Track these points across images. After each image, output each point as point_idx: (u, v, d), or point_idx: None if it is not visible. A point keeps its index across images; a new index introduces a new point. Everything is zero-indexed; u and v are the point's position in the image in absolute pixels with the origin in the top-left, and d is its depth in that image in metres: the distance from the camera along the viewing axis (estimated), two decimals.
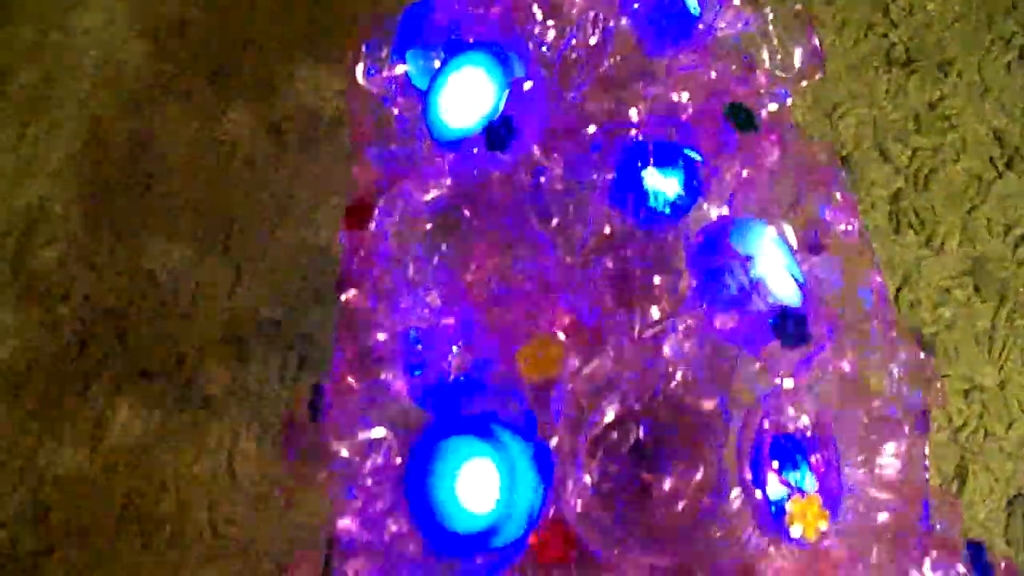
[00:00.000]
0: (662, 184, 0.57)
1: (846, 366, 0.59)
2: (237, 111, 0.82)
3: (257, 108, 0.82)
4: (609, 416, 0.50)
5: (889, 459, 0.59)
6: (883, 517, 0.58)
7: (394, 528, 0.53)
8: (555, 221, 0.58)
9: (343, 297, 0.58)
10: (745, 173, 0.60)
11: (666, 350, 0.51)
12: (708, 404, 0.51)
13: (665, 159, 0.58)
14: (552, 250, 0.55)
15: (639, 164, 0.56)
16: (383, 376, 0.56)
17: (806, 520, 0.47)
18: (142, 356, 0.76)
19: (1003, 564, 0.58)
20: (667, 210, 0.56)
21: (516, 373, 0.47)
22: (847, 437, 0.57)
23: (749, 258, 0.50)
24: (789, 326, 0.46)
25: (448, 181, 0.58)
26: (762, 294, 0.48)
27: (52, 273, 0.78)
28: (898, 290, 0.81)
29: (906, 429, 0.59)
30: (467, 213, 0.58)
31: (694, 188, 0.57)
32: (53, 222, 0.79)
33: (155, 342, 0.76)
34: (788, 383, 0.52)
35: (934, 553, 0.56)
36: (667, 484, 0.51)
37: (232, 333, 0.77)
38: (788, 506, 0.46)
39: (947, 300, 0.82)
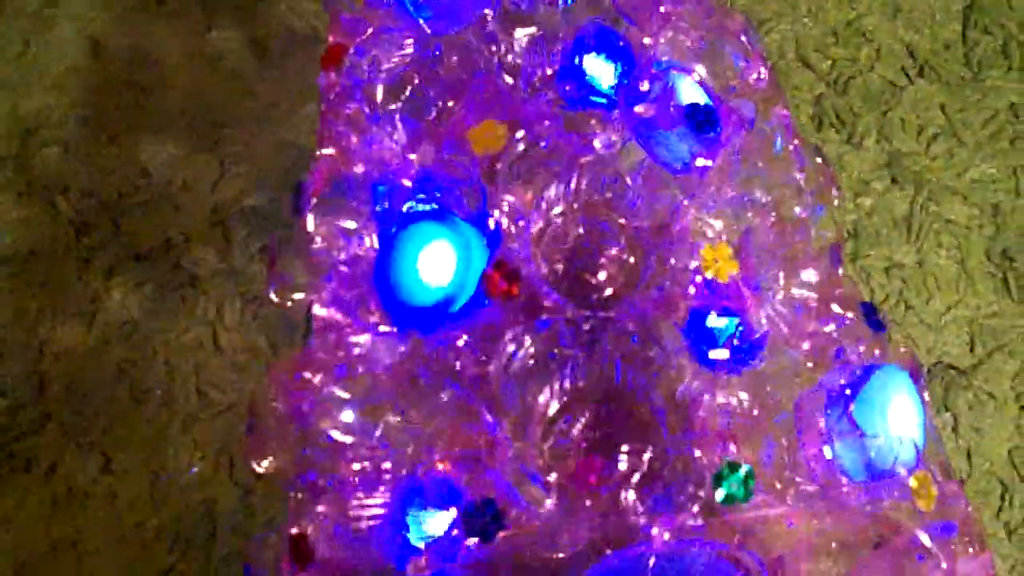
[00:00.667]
0: (601, 70, 0.63)
1: (760, 195, 0.66)
2: (223, 28, 0.89)
3: (241, 25, 0.89)
4: None
5: (807, 291, 0.66)
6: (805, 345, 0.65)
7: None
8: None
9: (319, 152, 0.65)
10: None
11: None
12: None
13: (604, 46, 0.65)
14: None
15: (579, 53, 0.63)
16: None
17: (717, 266, 0.53)
18: (135, 241, 0.82)
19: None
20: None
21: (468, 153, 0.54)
22: (764, 263, 0.64)
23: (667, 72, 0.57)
24: (700, 115, 0.53)
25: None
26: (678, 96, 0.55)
27: (53, 171, 0.84)
28: None
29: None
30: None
31: (631, 73, 0.64)
32: (54, 127, 0.85)
33: (146, 229, 0.82)
34: None
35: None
36: None
37: (217, 219, 0.83)
38: (701, 252, 0.53)
39: (867, 190, 0.89)
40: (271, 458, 0.58)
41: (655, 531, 0.50)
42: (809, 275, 0.61)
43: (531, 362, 0.54)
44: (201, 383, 0.78)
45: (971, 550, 0.61)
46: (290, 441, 0.58)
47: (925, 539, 0.57)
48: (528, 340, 0.54)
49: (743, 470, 0.49)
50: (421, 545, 0.53)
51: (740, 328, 0.57)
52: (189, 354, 0.79)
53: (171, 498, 0.76)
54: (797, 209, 0.62)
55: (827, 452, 0.57)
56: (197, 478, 0.76)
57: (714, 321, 0.57)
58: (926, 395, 0.59)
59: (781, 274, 0.61)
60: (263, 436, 0.59)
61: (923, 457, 0.57)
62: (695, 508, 0.52)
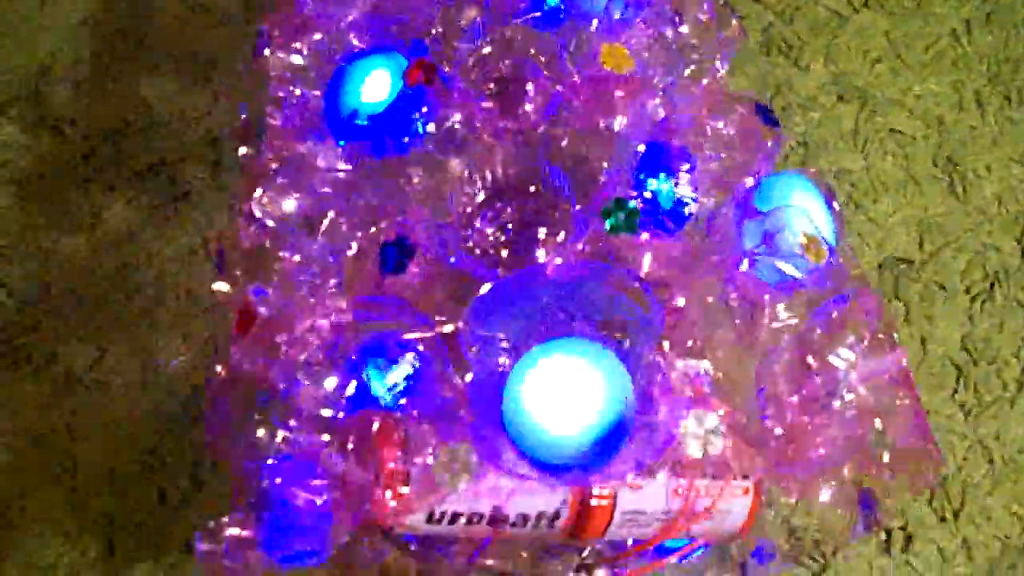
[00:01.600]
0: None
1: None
2: None
3: None
4: None
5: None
6: None
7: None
8: None
9: None
10: None
11: None
12: None
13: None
14: None
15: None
16: None
17: (615, 60, 0.58)
18: (133, 162, 0.87)
19: None
20: None
21: None
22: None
23: None
24: None
25: None
26: None
27: (62, 105, 0.90)
28: (771, 98, 0.93)
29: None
30: None
31: None
32: (66, 68, 0.90)
33: (144, 152, 0.87)
34: None
35: None
36: None
37: (209, 139, 0.90)
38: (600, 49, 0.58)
39: (815, 105, 0.92)
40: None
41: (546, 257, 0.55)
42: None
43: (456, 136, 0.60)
44: (191, 284, 0.84)
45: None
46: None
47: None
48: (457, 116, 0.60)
49: (629, 205, 0.54)
50: (387, 397, 0.57)
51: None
52: (180, 260, 0.84)
53: (159, 385, 0.81)
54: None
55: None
56: (183, 367, 0.81)
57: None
58: (836, 205, 0.63)
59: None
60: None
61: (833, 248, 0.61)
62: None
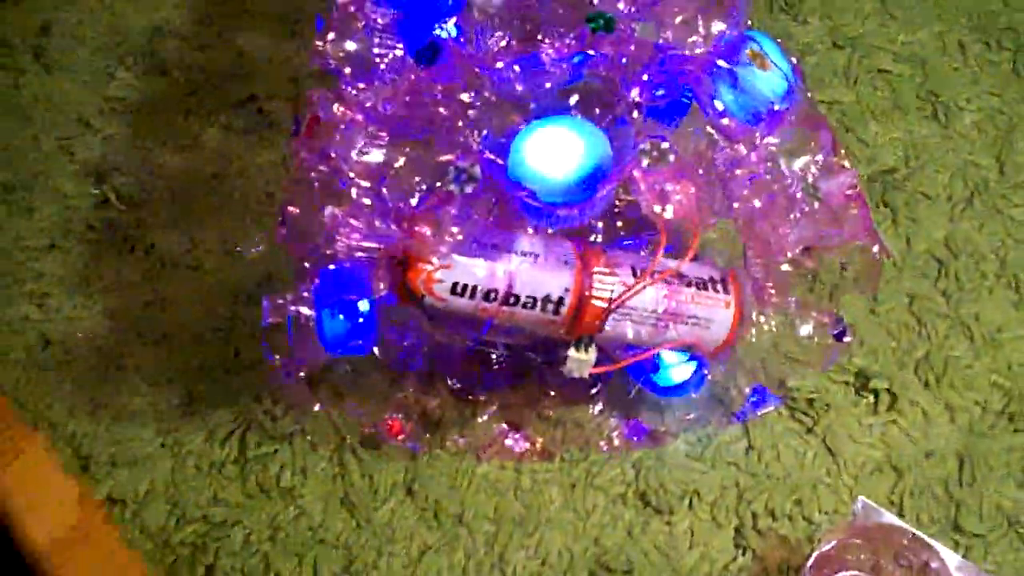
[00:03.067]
0: None
1: None
2: None
3: None
4: None
5: None
6: None
7: None
8: None
9: None
10: None
11: None
12: None
13: None
14: None
15: None
16: None
17: None
18: (228, 97, 1.03)
19: None
20: None
21: None
22: None
23: None
24: None
25: None
26: None
27: (172, 55, 1.06)
28: None
29: None
30: None
31: None
32: (175, 27, 1.03)
33: (238, 90, 1.02)
34: None
35: None
36: None
37: (292, 80, 1.05)
38: None
39: (811, 51, 0.98)
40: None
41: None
42: None
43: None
44: (271, 188, 0.97)
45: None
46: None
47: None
48: None
49: (607, 14, 0.66)
50: None
51: None
52: (264, 171, 0.97)
53: (240, 268, 0.93)
54: None
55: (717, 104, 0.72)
56: (261, 254, 0.93)
57: None
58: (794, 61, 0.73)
59: None
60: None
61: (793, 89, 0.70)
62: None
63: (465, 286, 0.69)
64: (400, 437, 0.82)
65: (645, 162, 0.62)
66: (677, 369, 0.78)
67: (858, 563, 0.72)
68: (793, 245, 0.69)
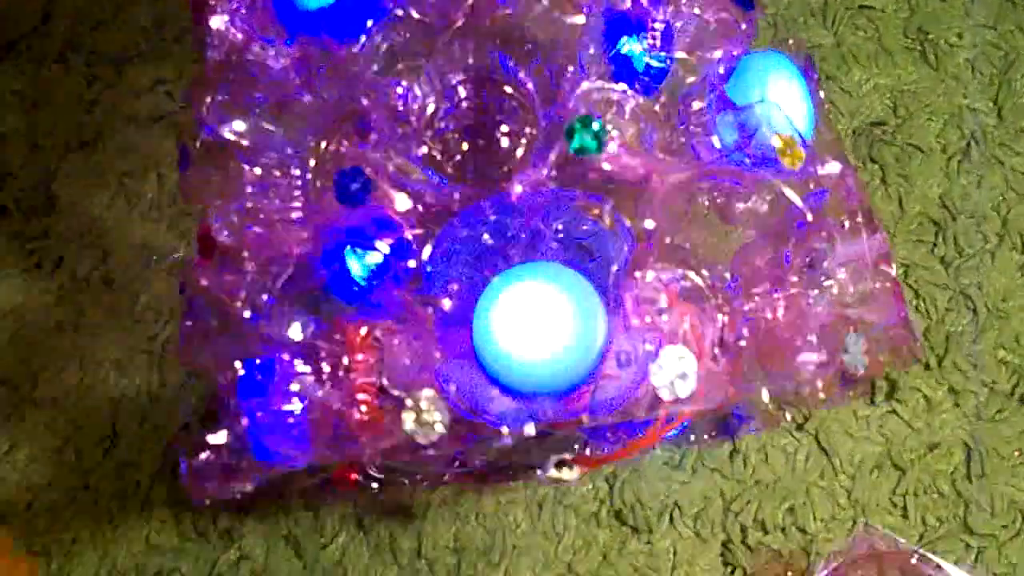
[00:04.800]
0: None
1: None
2: None
3: None
4: None
5: None
6: None
7: None
8: None
9: None
10: None
11: None
12: None
13: None
14: None
15: None
16: None
17: None
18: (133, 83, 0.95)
19: None
20: None
21: None
22: None
23: None
24: None
25: None
26: None
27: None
28: None
29: None
30: None
31: None
32: (66, 13, 0.98)
33: (143, 74, 0.95)
34: None
35: None
36: None
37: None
38: None
39: None
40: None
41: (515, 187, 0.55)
42: None
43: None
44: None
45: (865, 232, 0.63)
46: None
47: (793, 197, 0.59)
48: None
49: (595, 124, 0.50)
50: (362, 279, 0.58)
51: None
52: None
53: (159, 281, 0.84)
54: None
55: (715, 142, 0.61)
56: (179, 263, 0.84)
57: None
58: (816, 89, 0.62)
59: None
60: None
61: (809, 144, 0.57)
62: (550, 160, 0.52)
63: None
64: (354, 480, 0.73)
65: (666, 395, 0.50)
66: None
67: None
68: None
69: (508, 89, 0.57)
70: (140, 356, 0.79)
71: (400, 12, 0.57)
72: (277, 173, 0.60)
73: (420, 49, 0.57)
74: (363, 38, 0.57)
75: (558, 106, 0.55)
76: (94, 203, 0.85)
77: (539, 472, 0.60)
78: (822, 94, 0.62)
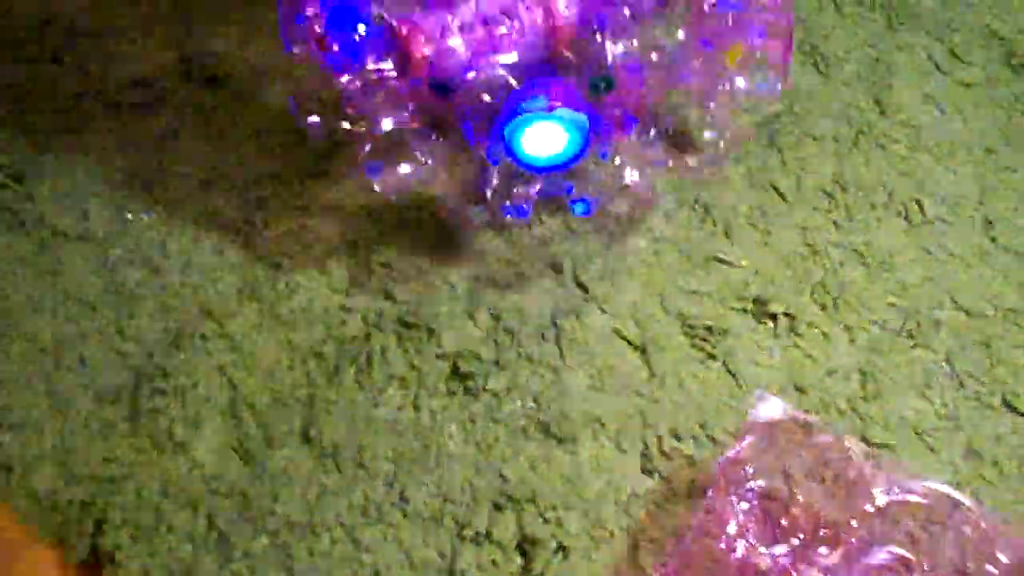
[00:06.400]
0: None
1: None
2: None
3: None
4: None
5: None
6: None
7: None
8: None
9: None
10: None
11: None
12: None
13: None
14: None
15: None
16: None
17: None
18: (119, 78, 1.05)
19: None
20: None
21: None
22: None
23: None
24: None
25: None
26: None
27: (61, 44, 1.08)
28: None
29: None
30: None
31: None
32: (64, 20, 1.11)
33: (127, 70, 1.05)
34: None
35: None
36: None
37: (181, 59, 1.05)
38: None
39: None
40: None
41: None
42: None
43: None
44: (159, 159, 0.97)
45: None
46: None
47: None
48: None
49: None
50: None
51: None
52: (151, 144, 0.99)
53: (131, 236, 0.92)
54: None
55: None
56: (154, 221, 0.92)
57: None
58: None
59: None
60: None
61: None
62: None
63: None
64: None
65: None
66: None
67: (768, 467, 0.72)
68: None
69: None
70: (108, 299, 0.87)
71: None
72: None
73: None
74: None
75: None
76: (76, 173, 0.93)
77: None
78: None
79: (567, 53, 0.72)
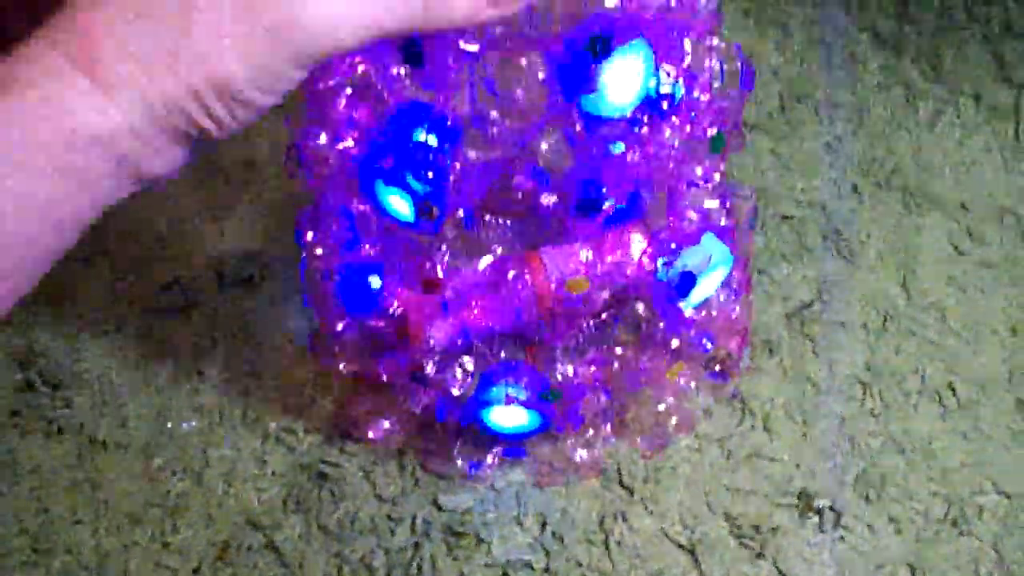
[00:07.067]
0: None
1: None
2: None
3: None
4: None
5: None
6: None
7: None
8: None
9: None
10: None
11: None
12: None
13: None
14: None
15: None
16: None
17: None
18: (153, 280, 1.06)
19: None
20: None
21: None
22: None
23: None
24: None
25: None
26: None
27: (93, 245, 1.10)
28: None
29: None
30: None
31: None
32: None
33: (162, 272, 1.06)
34: None
35: None
36: None
37: (215, 260, 1.07)
38: None
39: None
40: None
41: None
42: None
43: None
44: (198, 365, 0.98)
45: None
46: None
47: None
48: None
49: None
50: None
51: None
52: (188, 350, 1.00)
53: (173, 444, 0.93)
54: None
55: None
56: (194, 430, 0.93)
57: None
58: None
59: None
60: None
61: None
62: None
63: None
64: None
65: None
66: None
67: None
68: None
69: None
70: (153, 511, 0.87)
71: None
72: None
73: None
74: None
75: None
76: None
77: None
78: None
79: (546, 322, 0.76)
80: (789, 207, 1.06)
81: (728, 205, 0.81)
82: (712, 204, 0.80)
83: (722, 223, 0.80)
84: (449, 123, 0.67)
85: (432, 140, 0.67)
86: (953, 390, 0.93)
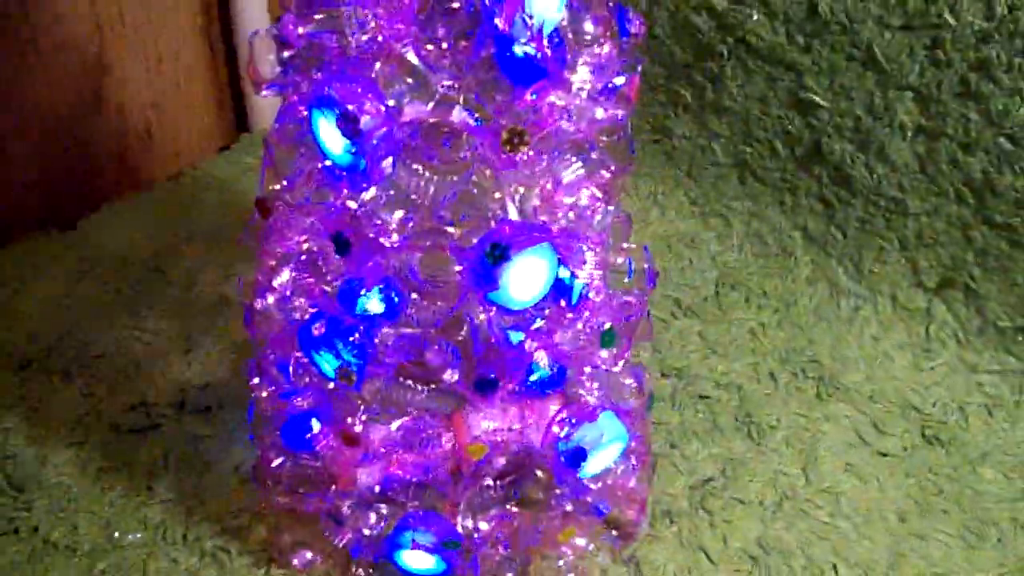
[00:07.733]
0: None
1: None
2: None
3: None
4: None
5: None
6: None
7: None
8: None
9: None
10: None
11: None
12: None
13: None
14: None
15: None
16: None
17: None
18: (121, 401, 1.16)
19: None
20: None
21: None
22: None
23: None
24: None
25: None
26: None
27: (73, 363, 1.20)
28: None
29: None
30: None
31: None
32: (77, 338, 1.24)
33: (131, 394, 1.17)
34: None
35: None
36: None
37: (180, 389, 1.18)
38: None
39: None
40: None
41: None
42: None
43: None
44: (151, 483, 1.08)
45: None
46: None
47: None
48: None
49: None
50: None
51: None
52: (145, 467, 1.09)
53: (117, 553, 1.02)
54: None
55: None
56: (139, 541, 1.02)
57: None
58: None
59: None
60: None
61: None
62: None
63: None
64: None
65: None
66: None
67: None
68: None
69: None
70: None
71: None
72: None
73: None
74: None
75: None
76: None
77: None
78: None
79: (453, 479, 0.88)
80: (707, 388, 1.17)
81: (634, 386, 0.91)
82: (615, 384, 0.90)
83: (629, 401, 0.91)
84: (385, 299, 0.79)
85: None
86: (836, 570, 1.02)
